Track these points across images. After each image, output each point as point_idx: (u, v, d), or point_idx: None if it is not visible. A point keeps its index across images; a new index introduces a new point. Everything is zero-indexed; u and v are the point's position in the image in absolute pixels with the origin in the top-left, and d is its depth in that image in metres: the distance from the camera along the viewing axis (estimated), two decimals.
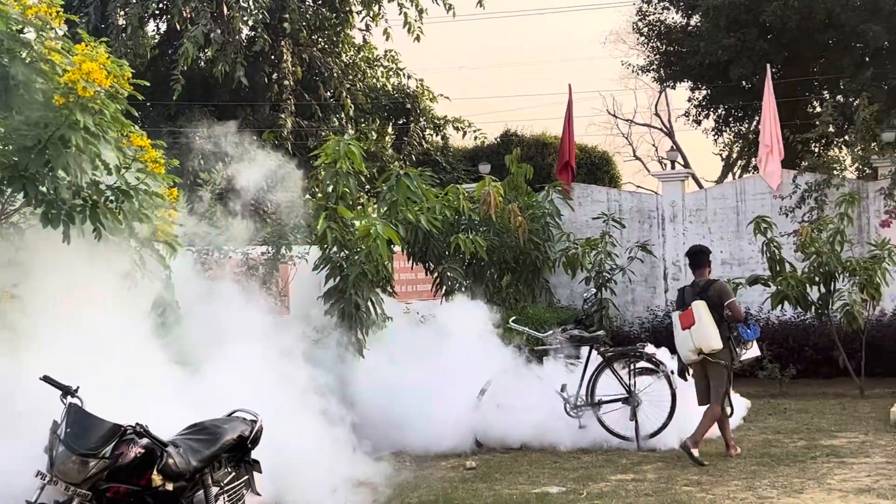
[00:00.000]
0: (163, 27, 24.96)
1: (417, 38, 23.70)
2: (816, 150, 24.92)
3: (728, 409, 11.03)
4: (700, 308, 10.76)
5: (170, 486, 6.77)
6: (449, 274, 13.88)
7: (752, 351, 11.20)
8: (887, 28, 22.42)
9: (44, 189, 7.07)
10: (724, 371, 10.91)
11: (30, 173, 7.03)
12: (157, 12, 23.48)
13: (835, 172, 18.27)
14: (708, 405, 10.90)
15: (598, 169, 25.63)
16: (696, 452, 10.54)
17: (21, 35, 7.08)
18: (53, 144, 6.92)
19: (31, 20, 7.10)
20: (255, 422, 7.60)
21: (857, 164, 20.32)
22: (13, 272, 7.51)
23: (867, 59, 23.95)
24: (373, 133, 24.88)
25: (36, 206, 7.12)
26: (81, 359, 7.22)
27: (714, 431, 11.10)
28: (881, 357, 16.18)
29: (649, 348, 11.84)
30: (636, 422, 11.63)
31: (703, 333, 10.70)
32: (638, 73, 29.72)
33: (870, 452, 10.89)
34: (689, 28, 26.48)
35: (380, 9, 24.33)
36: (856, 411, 13.70)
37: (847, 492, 9.16)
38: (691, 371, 11.17)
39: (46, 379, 6.78)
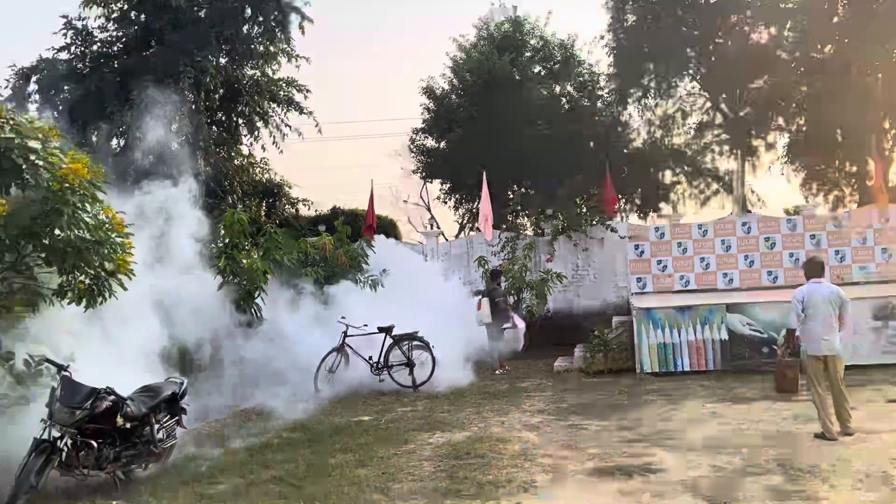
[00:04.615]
0: None
1: (281, 151, 23.44)
2: (511, 218, 26.07)
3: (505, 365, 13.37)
4: (485, 301, 13.28)
5: (129, 425, 6.54)
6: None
7: (517, 331, 13.39)
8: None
9: (45, 241, 6.65)
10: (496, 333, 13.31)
11: (34, 231, 6.63)
12: None
13: (521, 231, 19.17)
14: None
15: (388, 228, 25.88)
16: (499, 371, 13.06)
17: (29, 144, 6.68)
18: (52, 214, 6.57)
19: (37, 135, 6.73)
20: (182, 383, 7.41)
21: (533, 227, 21.40)
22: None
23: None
24: (253, 207, 24.32)
25: (39, 252, 6.70)
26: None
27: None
28: (549, 336, 17.04)
29: (420, 332, 12.07)
30: (413, 377, 11.78)
31: (483, 313, 13.20)
32: (410, 174, 30.16)
33: (545, 389, 11.35)
34: (441, 148, 27.25)
35: (258, 136, 24.15)
36: (534, 367, 14.30)
37: (526, 411, 9.54)
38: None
39: (47, 360, 6.42)
